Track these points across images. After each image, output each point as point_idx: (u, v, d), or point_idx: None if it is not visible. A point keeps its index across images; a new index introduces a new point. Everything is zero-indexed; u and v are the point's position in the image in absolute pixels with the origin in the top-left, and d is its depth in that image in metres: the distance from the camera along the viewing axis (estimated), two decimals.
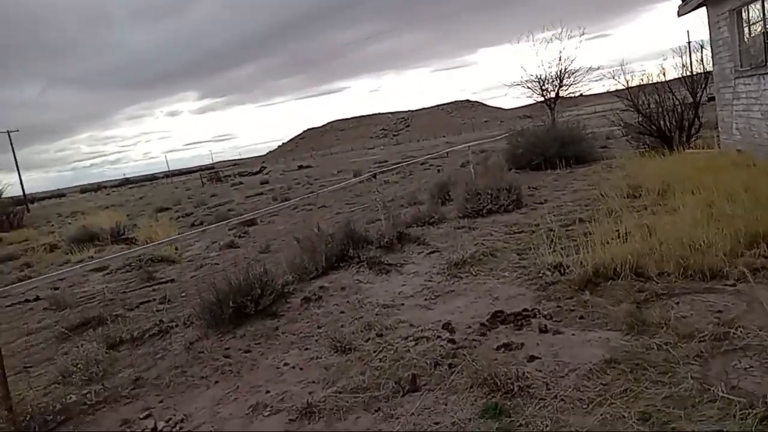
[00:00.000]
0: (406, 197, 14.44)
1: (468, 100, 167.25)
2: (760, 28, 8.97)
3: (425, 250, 7.47)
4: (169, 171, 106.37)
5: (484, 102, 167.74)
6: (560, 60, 18.39)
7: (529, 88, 19.35)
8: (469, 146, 13.72)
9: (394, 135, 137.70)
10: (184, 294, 7.65)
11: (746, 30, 9.64)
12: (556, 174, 13.77)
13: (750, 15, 9.41)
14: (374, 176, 8.35)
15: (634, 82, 15.43)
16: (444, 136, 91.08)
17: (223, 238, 12.29)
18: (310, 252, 7.00)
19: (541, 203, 10.00)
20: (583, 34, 19.02)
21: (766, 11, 8.73)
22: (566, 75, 18.52)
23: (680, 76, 14.38)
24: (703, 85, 14.01)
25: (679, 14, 11.59)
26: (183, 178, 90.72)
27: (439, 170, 23.27)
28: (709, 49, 11.42)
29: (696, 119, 13.81)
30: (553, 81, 18.70)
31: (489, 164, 15.22)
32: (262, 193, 27.85)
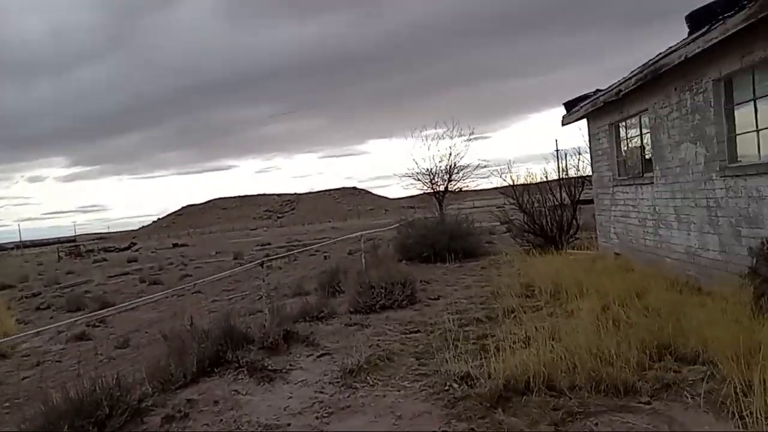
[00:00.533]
0: (291, 285, 13.49)
1: (355, 188, 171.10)
2: (637, 141, 9.64)
3: (315, 352, 6.62)
4: (21, 242, 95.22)
5: (370, 190, 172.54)
6: (450, 156, 19.06)
7: (419, 180, 19.73)
8: (362, 235, 13.27)
9: (279, 217, 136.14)
10: (8, 405, 6.07)
11: (624, 142, 10.36)
12: (445, 268, 13.65)
13: (628, 129, 10.14)
14: (262, 265, 7.49)
15: (518, 182, 16.19)
16: (330, 221, 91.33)
17: (72, 327, 10.49)
18: (179, 353, 5.88)
19: (435, 299, 9.61)
20: (473, 133, 20.01)
21: (642, 128, 9.41)
22: (455, 170, 19.17)
23: (559, 178, 15.29)
24: (580, 189, 14.95)
25: (563, 124, 12.38)
26: (37, 250, 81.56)
27: (326, 257, 22.61)
28: (589, 156, 12.21)
29: (574, 221, 14.56)
30: (443, 175, 19.23)
31: (379, 254, 14.85)
32: (127, 273, 25.29)
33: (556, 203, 14.95)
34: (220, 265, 25.89)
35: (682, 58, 6.62)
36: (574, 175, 15.31)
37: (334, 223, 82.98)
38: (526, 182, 16.20)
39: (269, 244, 38.20)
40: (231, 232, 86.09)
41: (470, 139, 19.57)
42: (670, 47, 7.04)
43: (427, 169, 19.33)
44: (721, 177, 6.74)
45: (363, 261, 12.69)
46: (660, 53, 7.36)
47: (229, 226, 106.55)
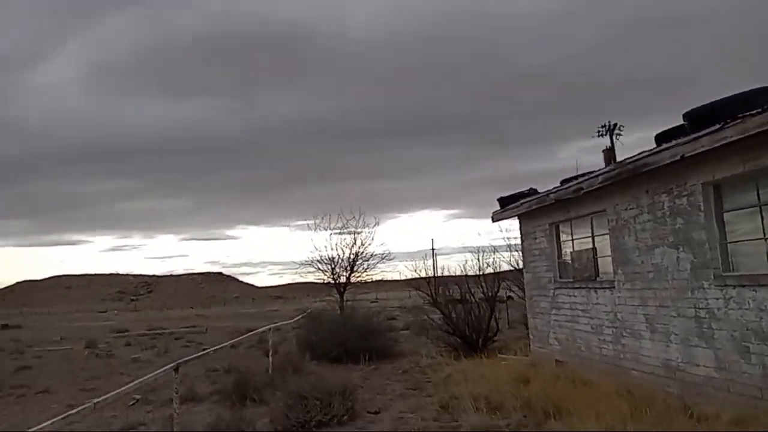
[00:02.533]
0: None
1: (220, 273, 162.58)
2: (587, 243, 9.23)
3: None
4: None
5: (237, 277, 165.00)
6: (355, 245, 17.99)
7: (319, 269, 18.28)
8: (270, 328, 11.40)
9: (133, 299, 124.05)
10: None
11: (568, 243, 9.95)
12: (361, 370, 12.06)
13: (573, 231, 9.77)
14: (176, 369, 5.57)
15: (431, 275, 15.45)
16: (192, 308, 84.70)
17: None
18: None
19: (375, 413, 8.04)
20: (377, 224, 19.20)
21: (594, 229, 9.05)
22: (359, 261, 18.05)
23: (475, 274, 14.73)
24: (497, 288, 14.46)
25: (494, 220, 11.93)
26: None
27: (205, 350, 19.76)
28: (521, 256, 11.75)
29: (493, 322, 13.88)
30: (345, 266, 17.99)
31: (279, 351, 12.93)
32: None
33: (473, 301, 14.26)
34: (67, 354, 21.68)
35: (677, 158, 6.26)
36: (491, 272, 14.92)
37: (197, 309, 76.85)
38: (440, 276, 15.50)
39: (127, 330, 33.50)
40: (76, 314, 76.19)
41: (372, 231, 18.73)
42: (658, 147, 6.71)
43: (330, 258, 18.01)
44: (717, 286, 6.25)
45: (270, 360, 10.76)
46: (641, 153, 7.03)
47: (74, 308, 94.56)
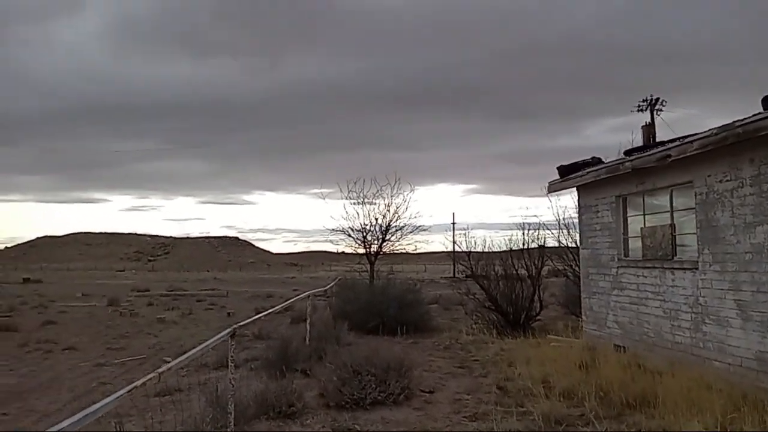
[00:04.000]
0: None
1: (237, 238, 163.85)
2: (663, 218, 8.41)
3: None
4: None
5: (252, 242, 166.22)
6: (388, 214, 17.26)
7: (350, 236, 17.63)
8: (309, 295, 10.80)
9: (150, 260, 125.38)
10: None
11: (637, 219, 9.14)
12: (399, 343, 11.46)
13: (645, 204, 8.96)
14: (232, 336, 4.96)
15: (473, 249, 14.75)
16: (209, 271, 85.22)
17: None
18: None
19: (429, 392, 7.42)
20: (413, 191, 18.42)
21: (673, 203, 8.23)
22: (391, 230, 17.35)
23: (517, 249, 14.01)
24: (540, 264, 13.74)
25: (551, 190, 11.15)
26: None
27: (229, 314, 19.37)
28: (578, 232, 10.98)
29: (537, 300, 13.21)
30: (377, 234, 17.32)
31: (318, 321, 12.36)
32: None
33: (515, 277, 13.54)
34: (91, 311, 21.50)
35: None
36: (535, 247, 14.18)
37: (214, 273, 77.26)
38: (481, 250, 14.80)
39: (148, 290, 33.43)
40: (94, 272, 77.06)
41: (408, 199, 17.91)
42: None
43: (362, 226, 17.35)
44: None
45: (307, 329, 10.19)
46: (756, 114, 6.16)
47: (92, 265, 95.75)
